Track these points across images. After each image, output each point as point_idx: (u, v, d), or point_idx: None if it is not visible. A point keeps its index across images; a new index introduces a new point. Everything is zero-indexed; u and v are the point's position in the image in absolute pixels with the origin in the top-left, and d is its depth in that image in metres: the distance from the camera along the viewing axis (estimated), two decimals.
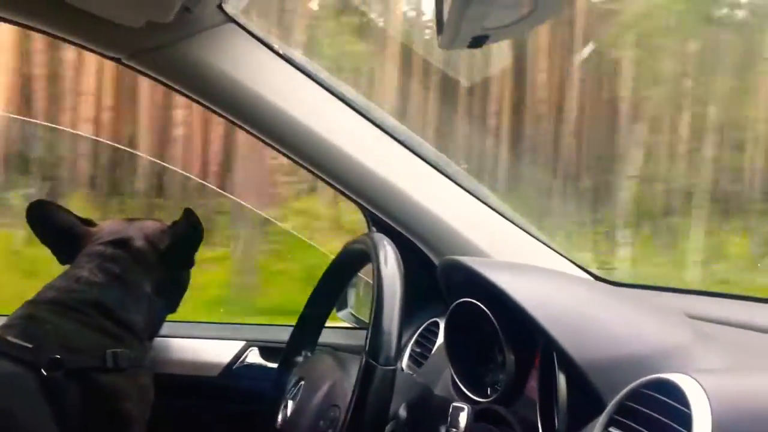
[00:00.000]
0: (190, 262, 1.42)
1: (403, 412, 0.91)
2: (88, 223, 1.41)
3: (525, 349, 1.05)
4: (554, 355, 0.90)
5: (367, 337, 0.86)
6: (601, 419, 0.74)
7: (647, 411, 0.71)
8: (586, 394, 0.85)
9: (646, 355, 0.85)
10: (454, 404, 0.86)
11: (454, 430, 0.86)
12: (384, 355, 0.84)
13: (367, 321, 1.70)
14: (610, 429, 0.73)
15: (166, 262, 1.35)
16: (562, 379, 0.88)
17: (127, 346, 1.24)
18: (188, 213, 1.34)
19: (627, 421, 0.72)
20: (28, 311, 1.23)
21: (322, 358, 1.10)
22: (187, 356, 1.52)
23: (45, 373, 1.14)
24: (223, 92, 1.28)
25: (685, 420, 0.66)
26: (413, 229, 1.40)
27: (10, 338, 1.16)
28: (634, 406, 0.73)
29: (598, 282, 1.18)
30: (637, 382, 0.74)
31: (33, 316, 1.21)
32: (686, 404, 0.67)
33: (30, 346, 1.16)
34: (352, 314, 1.72)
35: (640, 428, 0.70)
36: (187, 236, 1.37)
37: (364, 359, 0.85)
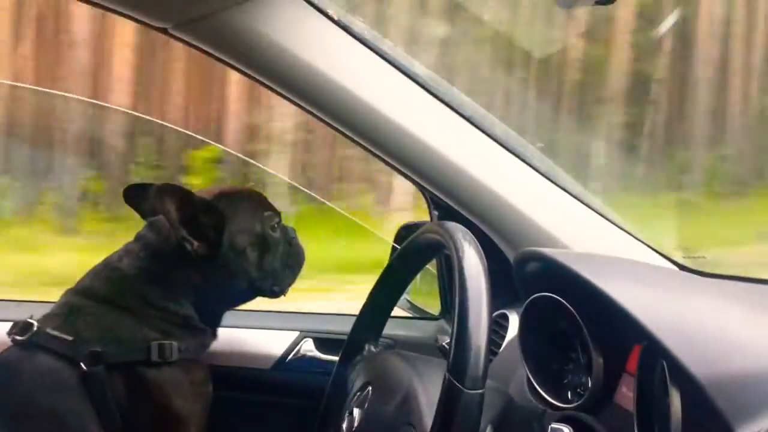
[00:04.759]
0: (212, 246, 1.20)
1: None
2: None
3: (614, 351, 0.94)
4: (664, 366, 0.79)
5: (450, 353, 0.75)
6: None
7: None
8: (703, 414, 0.74)
9: None
10: (554, 425, 0.75)
11: None
12: (471, 376, 0.73)
13: (424, 309, 1.63)
14: None
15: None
16: (676, 397, 0.76)
17: (177, 338, 1.15)
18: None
19: None
20: (67, 300, 1.16)
21: (390, 359, 1.00)
22: (237, 347, 1.44)
23: (85, 368, 1.07)
24: (272, 62, 1.17)
25: None
26: (480, 213, 1.28)
27: (49, 330, 1.09)
28: None
29: (701, 278, 1.05)
30: None
31: (72, 306, 1.14)
32: None
33: (69, 338, 1.09)
34: (408, 301, 1.63)
35: None
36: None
37: (447, 379, 0.74)
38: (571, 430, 0.76)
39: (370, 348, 1.13)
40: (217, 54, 1.19)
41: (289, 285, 1.29)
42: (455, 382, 0.72)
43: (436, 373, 0.85)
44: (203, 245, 1.17)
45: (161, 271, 1.18)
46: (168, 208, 1.12)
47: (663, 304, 0.88)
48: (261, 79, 1.22)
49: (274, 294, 1.28)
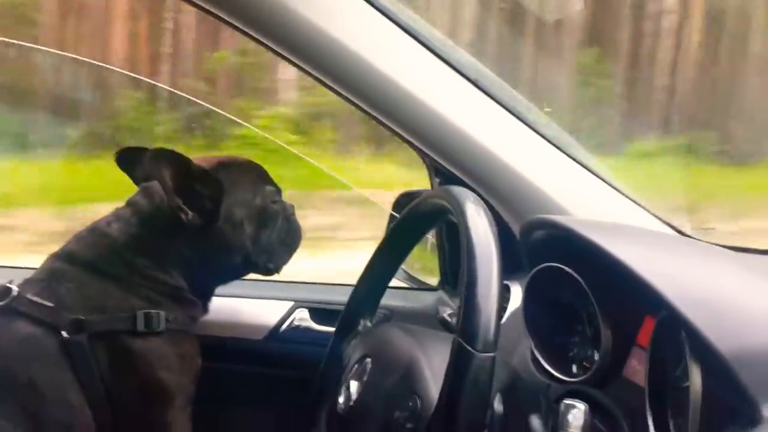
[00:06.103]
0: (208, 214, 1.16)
1: (499, 406, 0.77)
2: None
3: (624, 323, 0.90)
4: (684, 338, 0.75)
5: (459, 316, 0.71)
6: None
7: None
8: (725, 390, 0.70)
9: None
10: (566, 401, 0.71)
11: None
12: (482, 339, 0.69)
13: (420, 279, 1.58)
14: None
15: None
16: (696, 371, 0.72)
17: (165, 308, 1.10)
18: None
19: None
20: (50, 265, 1.11)
21: (389, 332, 0.95)
22: (228, 317, 1.39)
23: (66, 336, 1.02)
24: (273, 21, 1.10)
25: None
26: (483, 179, 1.22)
27: (29, 296, 1.04)
28: None
29: (716, 247, 1.01)
30: None
31: (55, 272, 1.09)
32: None
33: (51, 305, 1.03)
34: (405, 271, 1.58)
35: None
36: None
37: (456, 342, 0.70)
38: (586, 406, 0.72)
39: (365, 323, 1.08)
40: (219, 13, 1.12)
41: (284, 263, 1.26)
42: (465, 344, 0.69)
43: (440, 346, 0.81)
44: (198, 216, 1.12)
45: (152, 240, 1.13)
46: (164, 175, 1.06)
47: (681, 272, 0.84)
48: (260, 37, 1.15)
49: (268, 271, 1.24)
